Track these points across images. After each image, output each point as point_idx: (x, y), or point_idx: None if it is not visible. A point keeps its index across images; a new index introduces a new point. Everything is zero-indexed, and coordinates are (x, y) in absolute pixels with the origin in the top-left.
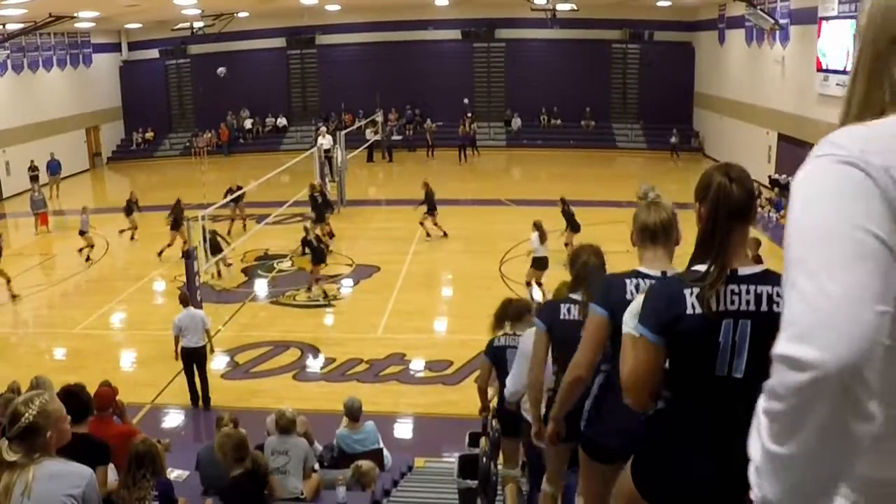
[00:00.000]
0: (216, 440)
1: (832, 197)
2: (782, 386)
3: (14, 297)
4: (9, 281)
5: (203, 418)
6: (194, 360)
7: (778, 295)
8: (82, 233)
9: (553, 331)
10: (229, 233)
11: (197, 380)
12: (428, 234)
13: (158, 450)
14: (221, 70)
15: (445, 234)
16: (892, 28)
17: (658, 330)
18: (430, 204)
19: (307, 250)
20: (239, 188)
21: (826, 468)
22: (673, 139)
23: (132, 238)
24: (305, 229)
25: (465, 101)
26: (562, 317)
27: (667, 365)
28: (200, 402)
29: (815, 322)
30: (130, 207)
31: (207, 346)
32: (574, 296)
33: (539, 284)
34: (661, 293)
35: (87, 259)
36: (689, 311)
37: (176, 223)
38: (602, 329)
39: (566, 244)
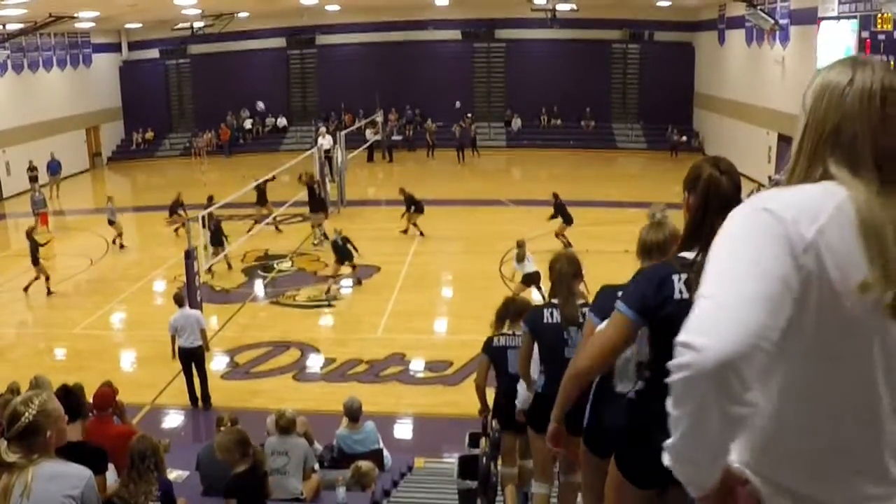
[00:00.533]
0: (217, 439)
1: (747, 233)
2: (676, 363)
3: (50, 292)
4: (48, 278)
5: (203, 418)
6: (192, 359)
7: None
8: (111, 222)
9: (536, 333)
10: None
11: (196, 380)
12: (421, 233)
13: (159, 446)
14: (260, 105)
15: (422, 234)
16: (830, 121)
17: (640, 310)
18: (416, 205)
19: (334, 252)
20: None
21: (705, 436)
22: (675, 137)
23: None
24: (336, 231)
25: (457, 105)
26: (545, 320)
27: (646, 349)
28: (200, 403)
29: (709, 320)
30: (175, 208)
31: (204, 345)
32: (555, 301)
33: (539, 289)
34: (652, 276)
35: (122, 246)
36: (676, 295)
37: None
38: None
39: (557, 235)
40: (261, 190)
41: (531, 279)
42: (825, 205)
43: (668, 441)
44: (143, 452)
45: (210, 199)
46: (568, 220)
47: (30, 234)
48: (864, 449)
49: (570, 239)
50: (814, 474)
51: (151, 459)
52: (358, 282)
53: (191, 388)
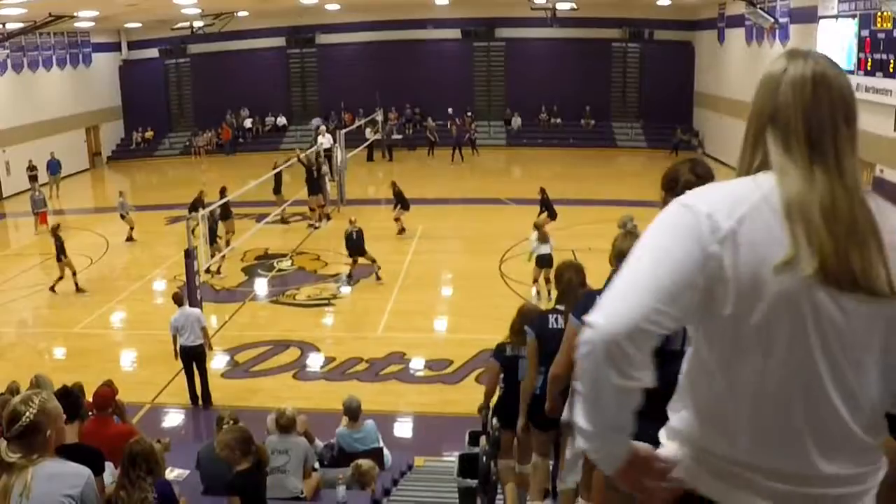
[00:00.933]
0: (219, 437)
1: (664, 226)
2: (580, 339)
3: (79, 290)
4: (74, 273)
5: (203, 418)
6: (192, 358)
7: None
8: (123, 216)
9: (541, 339)
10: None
11: (197, 378)
12: (403, 230)
13: (155, 449)
14: (317, 121)
15: (403, 231)
16: (767, 109)
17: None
18: (403, 202)
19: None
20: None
21: (602, 408)
22: (682, 136)
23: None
24: (350, 221)
25: (450, 111)
26: (550, 326)
27: None
28: (200, 401)
29: (606, 302)
30: (196, 206)
31: (206, 344)
32: (560, 307)
33: (547, 281)
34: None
35: (131, 239)
36: None
37: (224, 215)
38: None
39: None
40: (278, 178)
41: (546, 261)
42: (749, 196)
43: (576, 420)
44: (134, 457)
45: (223, 191)
46: (553, 215)
47: (55, 231)
48: (811, 424)
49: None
50: (765, 447)
51: (144, 465)
52: (350, 279)
53: (191, 387)
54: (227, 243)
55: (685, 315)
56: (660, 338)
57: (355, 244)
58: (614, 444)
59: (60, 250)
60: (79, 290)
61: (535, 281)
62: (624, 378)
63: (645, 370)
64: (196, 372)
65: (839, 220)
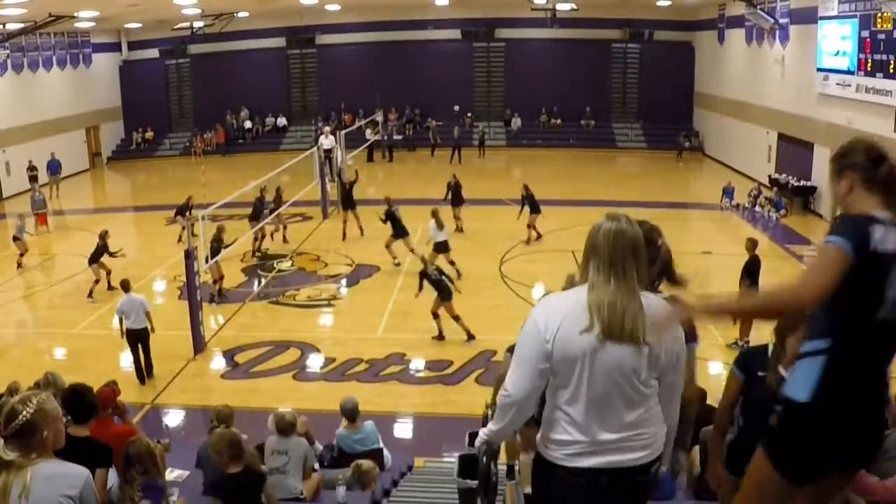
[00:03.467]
0: (210, 441)
1: (524, 334)
2: (499, 400)
3: (111, 288)
4: (97, 281)
5: (203, 418)
6: (138, 340)
7: None
8: (16, 238)
9: None
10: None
11: (142, 357)
12: (539, 236)
13: (151, 450)
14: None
15: (539, 237)
16: (591, 246)
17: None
18: (533, 205)
19: (424, 284)
20: (277, 199)
21: (508, 429)
22: (683, 141)
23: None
24: (423, 261)
25: (456, 108)
26: None
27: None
28: (146, 377)
29: (510, 381)
30: (183, 210)
31: (149, 327)
32: None
33: (451, 263)
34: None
35: (20, 266)
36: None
37: (254, 215)
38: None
39: (529, 226)
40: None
41: (443, 247)
42: (570, 300)
43: (491, 430)
44: (129, 459)
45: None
46: (535, 209)
47: (102, 237)
48: (603, 411)
49: (541, 231)
50: (588, 426)
51: (138, 465)
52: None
53: (138, 366)
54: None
55: (547, 377)
56: (540, 393)
57: (440, 283)
58: (505, 438)
59: (100, 253)
60: (90, 294)
61: (433, 265)
62: (522, 418)
63: (532, 409)
64: (140, 352)
65: (617, 307)
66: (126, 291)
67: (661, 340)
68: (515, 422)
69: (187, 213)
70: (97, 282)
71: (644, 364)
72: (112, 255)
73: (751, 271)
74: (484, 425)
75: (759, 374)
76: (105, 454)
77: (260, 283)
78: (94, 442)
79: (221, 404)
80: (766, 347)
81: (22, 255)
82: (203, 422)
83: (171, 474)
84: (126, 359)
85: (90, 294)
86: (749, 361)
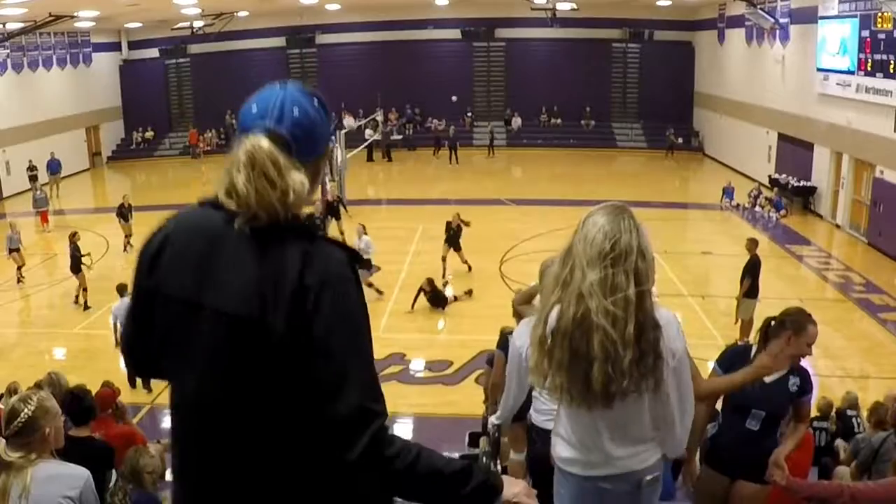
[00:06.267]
0: None
1: (509, 356)
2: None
3: (77, 301)
4: (84, 289)
5: None
6: None
7: None
8: (11, 251)
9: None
10: None
11: None
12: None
13: (145, 465)
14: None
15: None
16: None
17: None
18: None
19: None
20: None
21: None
22: (673, 138)
23: (126, 247)
24: (456, 215)
25: (454, 98)
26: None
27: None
28: (142, 386)
29: (504, 400)
30: (123, 212)
31: None
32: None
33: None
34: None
35: (21, 280)
36: None
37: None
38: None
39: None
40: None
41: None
42: (531, 321)
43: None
44: (122, 471)
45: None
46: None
47: (73, 240)
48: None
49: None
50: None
51: (130, 477)
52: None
53: (130, 372)
54: None
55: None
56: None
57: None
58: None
59: (77, 262)
60: (86, 307)
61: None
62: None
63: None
64: None
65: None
66: (122, 295)
67: None
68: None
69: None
70: (84, 289)
71: None
72: (76, 265)
73: (751, 271)
74: (484, 426)
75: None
76: (107, 454)
77: None
78: (95, 442)
79: None
80: (750, 348)
81: (20, 268)
82: None
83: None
84: None
85: (79, 300)
86: (731, 360)
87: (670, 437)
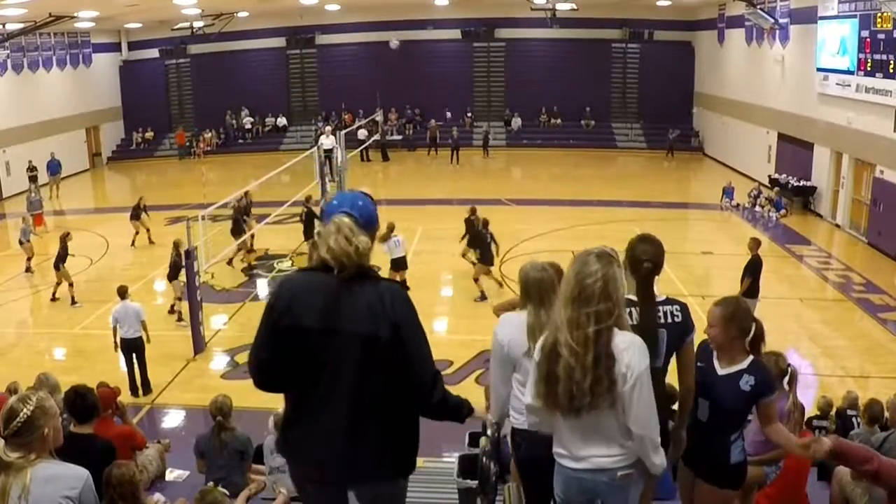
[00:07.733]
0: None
1: (493, 350)
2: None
3: (74, 302)
4: (71, 284)
5: (204, 418)
6: (132, 350)
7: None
8: (22, 242)
9: None
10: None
11: (136, 369)
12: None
13: (134, 479)
14: (395, 43)
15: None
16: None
17: None
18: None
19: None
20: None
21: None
22: (673, 139)
23: (133, 243)
24: (482, 220)
25: (448, 114)
26: None
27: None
28: (140, 391)
29: (491, 399)
30: (137, 212)
31: (144, 336)
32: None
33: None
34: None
35: (29, 270)
36: None
37: (237, 229)
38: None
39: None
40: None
41: (398, 264)
42: (521, 323)
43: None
44: (108, 480)
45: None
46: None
47: (63, 239)
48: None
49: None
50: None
51: (118, 488)
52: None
53: (131, 377)
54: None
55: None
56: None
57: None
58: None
59: (61, 259)
60: (74, 302)
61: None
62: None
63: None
64: (135, 363)
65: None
66: (122, 298)
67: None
68: (504, 406)
69: (143, 216)
70: (71, 285)
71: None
72: (57, 262)
73: (752, 271)
74: (484, 426)
75: (699, 364)
76: (108, 452)
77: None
78: (97, 439)
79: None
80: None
81: (29, 258)
82: (203, 422)
83: (171, 474)
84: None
85: (74, 298)
86: (698, 352)
87: (642, 450)
